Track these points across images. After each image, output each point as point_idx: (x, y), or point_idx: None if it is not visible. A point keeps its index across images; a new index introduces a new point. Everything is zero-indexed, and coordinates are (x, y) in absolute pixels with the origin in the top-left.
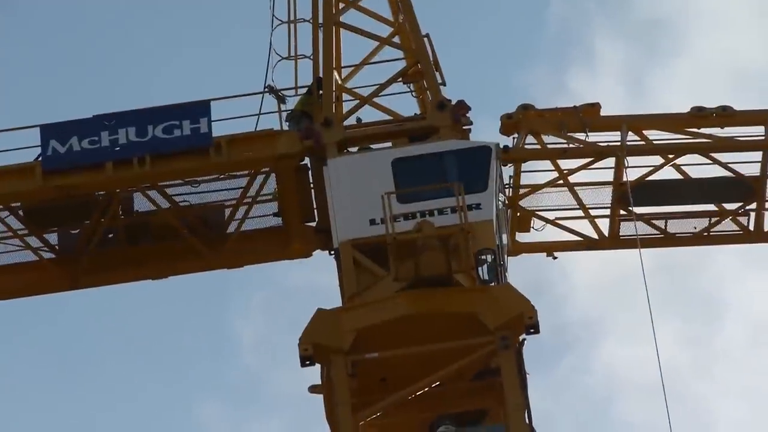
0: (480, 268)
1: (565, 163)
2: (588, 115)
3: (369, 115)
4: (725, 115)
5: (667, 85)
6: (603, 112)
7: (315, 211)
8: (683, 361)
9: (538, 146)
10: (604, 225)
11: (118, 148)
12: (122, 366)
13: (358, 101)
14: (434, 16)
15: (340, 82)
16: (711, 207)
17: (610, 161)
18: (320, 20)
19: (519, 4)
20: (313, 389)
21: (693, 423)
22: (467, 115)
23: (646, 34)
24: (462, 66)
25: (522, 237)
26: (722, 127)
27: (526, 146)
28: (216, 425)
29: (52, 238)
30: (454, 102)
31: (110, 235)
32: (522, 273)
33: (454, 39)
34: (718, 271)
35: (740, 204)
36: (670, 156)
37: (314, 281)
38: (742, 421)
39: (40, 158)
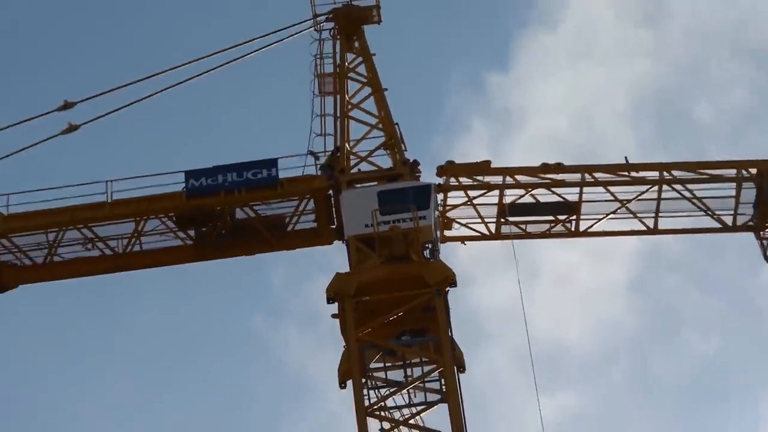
0: (424, 251)
1: (472, 193)
2: (484, 167)
3: (365, 167)
4: (560, 168)
5: (514, 149)
6: (492, 165)
7: (335, 219)
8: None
9: (457, 183)
10: (492, 227)
11: (227, 184)
12: (208, 295)
13: (359, 159)
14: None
15: (349, 148)
16: (551, 217)
17: (496, 192)
18: (338, 114)
19: (426, 99)
20: (334, 316)
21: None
22: (419, 168)
23: (502, 117)
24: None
25: (448, 233)
26: (557, 174)
27: (450, 183)
28: (263, 327)
29: (191, 233)
30: (411, 160)
31: (223, 231)
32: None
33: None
34: (540, 247)
35: (567, 216)
36: (529, 189)
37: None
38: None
39: (184, 188)
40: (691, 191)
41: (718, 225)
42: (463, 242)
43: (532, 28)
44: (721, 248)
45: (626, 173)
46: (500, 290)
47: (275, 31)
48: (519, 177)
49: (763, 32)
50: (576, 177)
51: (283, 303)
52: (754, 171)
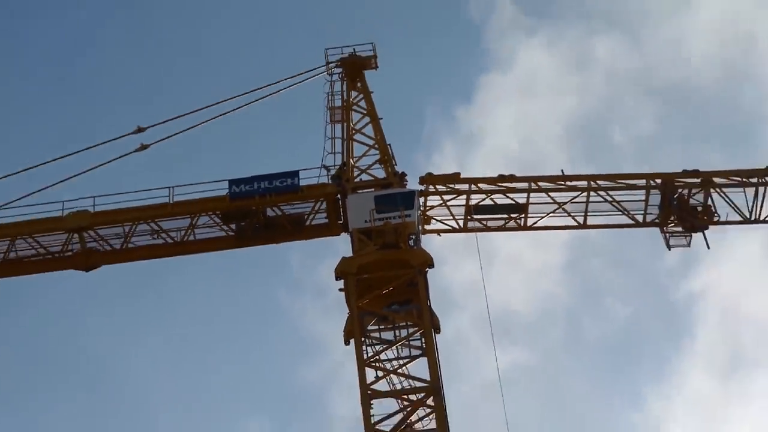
0: (409, 241)
1: (445, 197)
2: (455, 177)
3: (365, 177)
4: (512, 178)
5: (477, 163)
6: (461, 176)
7: (342, 216)
8: (479, 277)
9: (434, 190)
10: (461, 223)
11: (261, 189)
12: (245, 274)
13: (360, 171)
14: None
15: (352, 163)
16: (505, 216)
17: (464, 196)
18: (344, 137)
19: (410, 125)
20: (341, 290)
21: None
22: (406, 178)
23: (467, 139)
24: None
25: (427, 227)
26: (510, 182)
27: (429, 190)
28: (287, 301)
29: (233, 226)
30: (400, 172)
31: (257, 226)
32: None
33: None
34: (496, 238)
35: (517, 214)
36: (489, 194)
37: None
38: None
39: (228, 193)
40: (611, 196)
41: (631, 222)
42: (438, 234)
43: (490, 72)
44: (634, 239)
45: (562, 182)
46: (466, 270)
47: (298, 74)
48: (481, 185)
49: (665, 75)
50: (524, 185)
51: (300, 280)
52: (659, 181)
